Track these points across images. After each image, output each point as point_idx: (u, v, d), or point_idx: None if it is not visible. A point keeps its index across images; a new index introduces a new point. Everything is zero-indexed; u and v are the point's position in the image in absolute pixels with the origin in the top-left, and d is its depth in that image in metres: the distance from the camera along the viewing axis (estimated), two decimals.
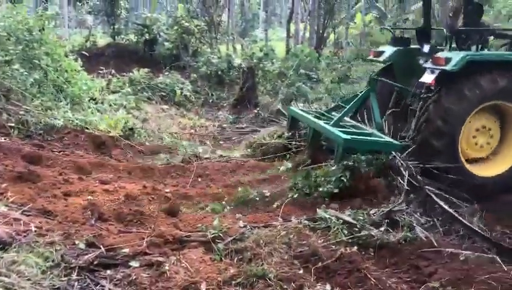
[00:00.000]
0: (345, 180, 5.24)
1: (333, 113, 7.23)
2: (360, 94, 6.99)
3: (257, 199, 5.23)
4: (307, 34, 21.07)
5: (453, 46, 6.52)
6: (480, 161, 6.36)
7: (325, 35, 20.28)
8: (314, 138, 6.60)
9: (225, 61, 13.73)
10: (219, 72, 13.22)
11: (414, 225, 4.64)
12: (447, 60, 5.85)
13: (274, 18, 43.72)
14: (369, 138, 6.09)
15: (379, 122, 6.58)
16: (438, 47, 7.14)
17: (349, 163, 5.34)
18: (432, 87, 6.02)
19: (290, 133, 7.24)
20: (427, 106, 6.00)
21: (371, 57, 7.74)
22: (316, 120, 6.65)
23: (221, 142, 8.79)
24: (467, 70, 5.80)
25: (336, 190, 5.21)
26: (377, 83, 6.96)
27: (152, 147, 7.40)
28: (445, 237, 4.63)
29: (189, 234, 4.22)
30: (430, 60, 6.14)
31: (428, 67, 6.09)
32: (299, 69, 12.99)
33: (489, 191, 5.93)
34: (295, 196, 5.26)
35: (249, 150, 7.42)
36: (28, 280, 2.99)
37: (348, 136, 5.86)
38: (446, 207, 4.99)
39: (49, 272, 3.21)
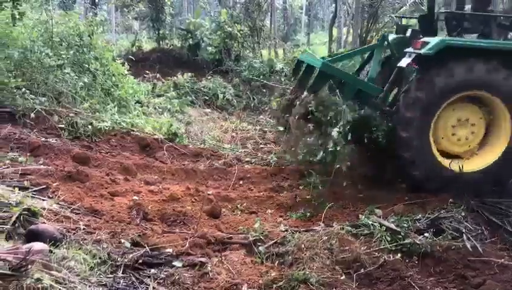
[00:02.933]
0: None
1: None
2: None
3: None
4: (350, 38, 20.85)
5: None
6: (465, 155, 5.91)
7: (368, 39, 20.01)
8: (304, 72, 6.30)
9: (267, 65, 13.77)
10: (261, 77, 13.27)
11: (461, 232, 4.50)
12: (423, 44, 5.60)
13: (316, 22, 43.52)
14: (358, 78, 6.03)
15: (372, 77, 6.21)
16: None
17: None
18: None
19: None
20: (401, 93, 5.77)
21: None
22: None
23: (261, 145, 8.81)
24: (445, 57, 5.47)
25: None
26: (385, 41, 6.54)
27: (195, 149, 7.52)
28: (494, 246, 4.46)
29: (231, 235, 4.26)
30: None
31: (407, 52, 5.89)
32: None
33: (467, 186, 5.45)
34: None
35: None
36: (77, 275, 3.09)
37: (326, 62, 5.89)
38: (492, 218, 4.83)
39: (96, 269, 3.31)
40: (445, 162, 5.70)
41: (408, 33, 6.68)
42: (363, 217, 4.74)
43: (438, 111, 5.59)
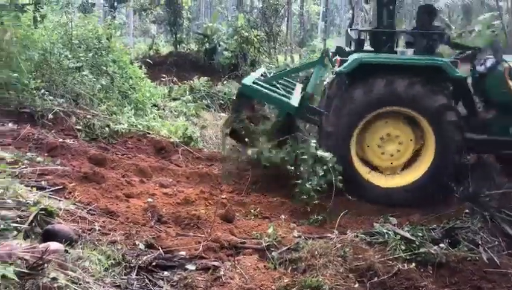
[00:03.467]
0: None
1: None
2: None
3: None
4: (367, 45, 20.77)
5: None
6: (385, 170, 5.95)
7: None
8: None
9: None
10: None
11: (477, 243, 4.44)
12: (342, 62, 5.81)
13: (333, 28, 43.47)
14: (271, 93, 6.31)
15: (308, 92, 6.42)
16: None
17: None
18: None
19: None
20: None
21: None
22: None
23: None
24: (365, 73, 5.64)
25: None
26: (327, 56, 6.72)
27: (209, 153, 7.54)
28: (511, 258, 4.39)
29: (244, 240, 4.27)
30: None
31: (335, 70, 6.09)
32: None
33: (390, 200, 5.57)
34: None
35: None
36: (92, 275, 3.12)
37: (248, 83, 6.23)
38: (510, 230, 4.76)
39: (110, 270, 3.34)
40: (364, 172, 5.81)
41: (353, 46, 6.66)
42: (378, 225, 4.72)
43: (357, 128, 5.71)
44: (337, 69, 5.85)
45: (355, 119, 5.70)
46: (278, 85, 6.96)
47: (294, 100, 6.43)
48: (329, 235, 4.43)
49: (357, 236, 4.41)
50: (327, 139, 5.79)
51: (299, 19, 26.65)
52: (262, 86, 6.45)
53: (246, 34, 15.50)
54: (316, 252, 3.94)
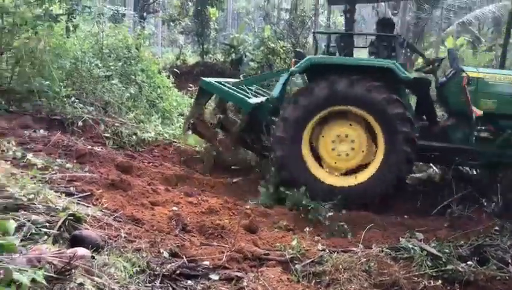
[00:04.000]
0: None
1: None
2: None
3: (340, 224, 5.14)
4: None
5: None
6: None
7: (412, 58, 19.71)
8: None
9: None
10: None
11: (507, 262, 4.31)
12: (296, 63, 6.21)
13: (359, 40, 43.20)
14: (227, 89, 6.78)
15: (273, 96, 6.80)
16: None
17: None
18: None
19: None
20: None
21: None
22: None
23: None
24: (318, 74, 5.98)
25: None
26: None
27: (234, 163, 7.57)
28: None
29: (268, 252, 4.25)
30: None
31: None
32: None
33: (343, 200, 5.70)
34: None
35: None
36: (117, 282, 3.15)
37: (207, 79, 6.87)
38: None
39: (135, 277, 3.36)
40: (321, 175, 6.01)
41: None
42: (403, 240, 4.64)
43: (308, 126, 5.98)
44: (291, 69, 6.32)
45: (305, 118, 5.97)
46: (246, 89, 7.36)
47: (254, 100, 6.86)
48: (354, 249, 4.37)
49: (382, 251, 4.33)
50: (277, 143, 6.05)
51: (326, 30, 26.60)
52: (223, 85, 6.93)
53: (272, 45, 15.59)
54: (340, 266, 3.89)
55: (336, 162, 6.08)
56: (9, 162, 4.56)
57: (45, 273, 2.58)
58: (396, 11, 22.37)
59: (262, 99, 7.11)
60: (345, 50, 6.55)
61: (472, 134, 6.17)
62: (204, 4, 18.73)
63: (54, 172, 4.79)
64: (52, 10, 8.18)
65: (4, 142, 4.93)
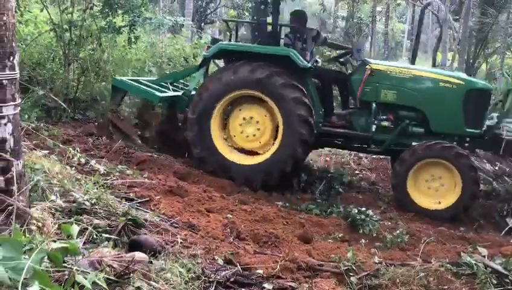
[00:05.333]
0: None
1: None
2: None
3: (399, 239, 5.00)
4: (455, 64, 19.86)
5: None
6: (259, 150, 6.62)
7: (475, 65, 18.93)
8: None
9: None
10: None
11: None
12: (208, 48, 6.76)
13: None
14: (137, 84, 7.10)
15: (188, 90, 7.19)
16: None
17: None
18: None
19: None
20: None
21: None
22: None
23: (356, 172, 8.64)
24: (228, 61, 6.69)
25: None
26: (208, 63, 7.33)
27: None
28: None
29: (322, 263, 4.19)
30: None
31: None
32: None
33: (246, 179, 6.30)
34: None
35: None
36: (173, 287, 3.21)
37: (119, 78, 7.27)
38: None
39: (190, 283, 3.41)
40: (232, 156, 6.52)
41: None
42: (465, 255, 4.42)
43: (214, 112, 6.48)
44: (202, 53, 6.86)
45: (213, 102, 6.45)
46: (168, 85, 7.61)
47: (165, 94, 7.17)
48: (412, 262, 4.21)
49: (442, 265, 4.15)
50: (190, 125, 6.56)
51: (384, 37, 26.12)
52: (138, 82, 7.28)
53: (329, 52, 15.46)
54: (398, 280, 3.77)
55: (244, 143, 6.62)
56: (74, 168, 4.77)
57: (105, 276, 2.67)
58: (458, 17, 21.58)
59: (179, 92, 7.38)
60: (257, 38, 6.95)
61: (373, 123, 6.64)
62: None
63: (115, 178, 4.97)
64: (115, 23, 8.56)
65: (70, 149, 5.18)
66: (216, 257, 3.87)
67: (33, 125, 6.06)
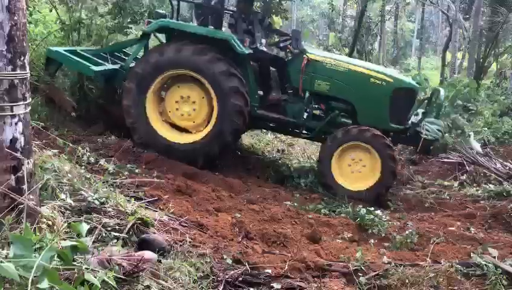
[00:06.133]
0: None
1: None
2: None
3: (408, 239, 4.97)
4: (464, 63, 19.72)
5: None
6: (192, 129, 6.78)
7: (485, 64, 18.77)
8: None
9: None
10: None
11: None
12: (149, 23, 6.82)
13: (428, 46, 41.81)
14: (72, 57, 6.92)
15: (127, 63, 7.19)
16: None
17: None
18: None
19: None
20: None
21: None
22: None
23: None
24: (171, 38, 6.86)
25: None
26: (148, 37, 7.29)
27: (296, 170, 7.56)
28: None
29: (331, 263, 4.17)
30: None
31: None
32: (455, 100, 12.17)
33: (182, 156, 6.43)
34: None
35: None
36: (182, 286, 3.22)
37: (54, 49, 7.08)
38: None
39: (199, 282, 3.42)
40: (163, 132, 6.63)
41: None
42: (476, 255, 4.38)
43: (152, 85, 6.55)
44: (142, 28, 7.01)
45: (152, 75, 6.52)
46: (107, 57, 7.56)
47: (103, 67, 7.06)
48: (421, 263, 4.19)
49: (452, 266, 4.11)
50: (126, 93, 6.63)
51: (393, 36, 26.00)
52: (75, 53, 7.12)
53: (337, 52, 15.44)
54: (407, 281, 3.74)
55: (178, 120, 6.74)
56: (83, 167, 4.80)
57: (115, 274, 2.68)
58: (467, 16, 21.42)
59: (117, 66, 7.35)
60: (200, 18, 7.05)
61: (304, 110, 6.94)
62: (269, 13, 18.89)
63: (124, 177, 4.99)
64: (124, 23, 8.58)
65: (79, 148, 5.21)
66: (225, 256, 3.88)
67: (42, 124, 6.10)
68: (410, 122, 7.03)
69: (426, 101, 7.66)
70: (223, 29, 7.11)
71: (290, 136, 9.00)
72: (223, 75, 6.40)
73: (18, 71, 2.84)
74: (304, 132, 7.21)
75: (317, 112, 7.05)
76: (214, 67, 6.39)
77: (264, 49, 7.35)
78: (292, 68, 6.96)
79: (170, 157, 6.40)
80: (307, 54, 6.88)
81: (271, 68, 7.20)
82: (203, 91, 6.64)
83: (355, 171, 6.64)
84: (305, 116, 6.97)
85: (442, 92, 7.16)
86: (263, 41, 7.53)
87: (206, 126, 6.69)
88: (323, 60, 6.90)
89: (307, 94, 6.89)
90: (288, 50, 7.28)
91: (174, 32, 6.78)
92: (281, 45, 7.44)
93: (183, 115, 6.72)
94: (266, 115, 6.98)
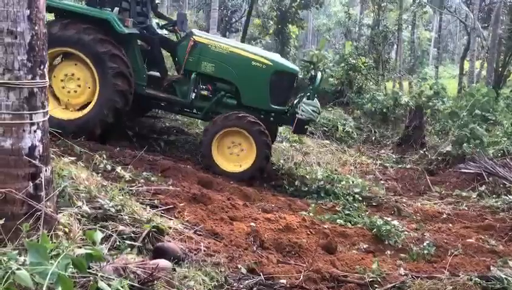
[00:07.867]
0: None
1: None
2: None
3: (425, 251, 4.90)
4: (483, 72, 19.47)
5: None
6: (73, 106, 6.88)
7: (505, 73, 18.51)
8: None
9: (391, 98, 13.39)
10: (384, 110, 12.94)
11: None
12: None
13: (445, 55, 41.41)
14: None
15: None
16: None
17: None
18: None
19: None
20: None
21: None
22: None
23: (382, 181, 8.51)
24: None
25: None
26: None
27: (312, 181, 7.49)
28: None
29: (346, 274, 4.13)
30: None
31: None
32: (473, 110, 11.99)
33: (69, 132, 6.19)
34: None
35: None
36: None
37: None
38: None
39: None
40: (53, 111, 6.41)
41: None
42: (495, 269, 4.30)
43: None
44: None
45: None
46: None
47: None
48: (439, 275, 4.12)
49: (471, 279, 4.03)
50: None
51: (410, 45, 25.81)
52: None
53: (354, 61, 15.37)
54: None
55: (68, 99, 6.84)
56: (100, 175, 4.84)
57: (129, 282, 2.68)
58: (486, 24, 21.19)
59: None
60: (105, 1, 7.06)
61: (192, 91, 7.19)
62: (285, 22, 18.96)
63: (140, 185, 5.01)
64: None
65: (96, 156, 5.26)
66: (239, 266, 3.86)
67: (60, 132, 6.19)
68: (291, 103, 7.47)
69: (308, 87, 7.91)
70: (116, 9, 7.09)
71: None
72: (105, 55, 6.60)
73: (37, 80, 2.88)
74: (194, 111, 7.56)
75: (205, 92, 7.30)
76: (96, 47, 6.58)
77: (158, 31, 7.66)
78: (179, 49, 7.28)
79: (75, 135, 6.32)
80: (193, 36, 7.21)
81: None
82: (86, 68, 6.81)
83: (234, 154, 7.05)
84: (193, 97, 7.24)
85: (319, 75, 7.64)
86: (154, 23, 7.87)
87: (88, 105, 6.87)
88: (209, 43, 7.24)
89: (194, 75, 7.19)
90: (177, 32, 7.65)
91: (63, 12, 6.86)
92: (169, 27, 7.82)
93: (69, 92, 6.87)
94: (155, 94, 7.26)
